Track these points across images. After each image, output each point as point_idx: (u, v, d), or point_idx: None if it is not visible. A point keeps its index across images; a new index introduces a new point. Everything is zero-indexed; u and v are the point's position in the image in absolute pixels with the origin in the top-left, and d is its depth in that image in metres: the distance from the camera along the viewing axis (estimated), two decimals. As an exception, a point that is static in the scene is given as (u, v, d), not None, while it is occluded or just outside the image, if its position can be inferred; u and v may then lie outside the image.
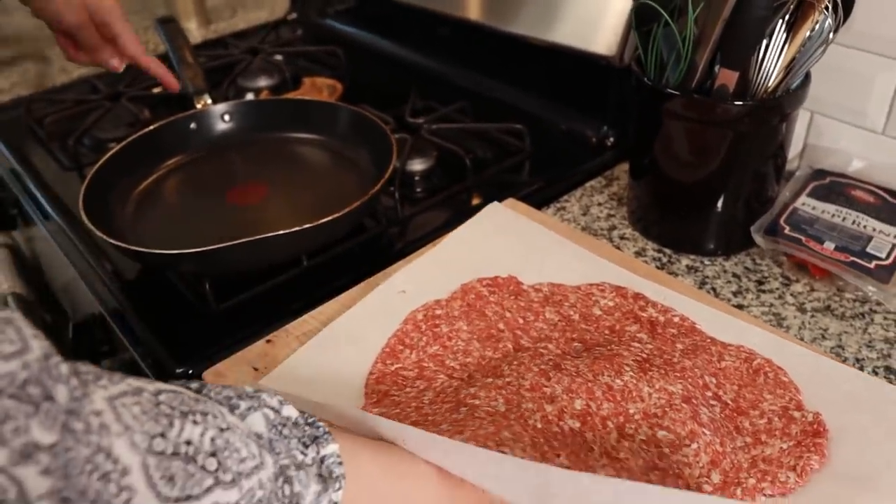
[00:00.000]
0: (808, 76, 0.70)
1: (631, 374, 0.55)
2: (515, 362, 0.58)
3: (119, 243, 0.67)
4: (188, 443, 0.34)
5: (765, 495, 0.49)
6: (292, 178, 0.86)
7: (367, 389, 0.58)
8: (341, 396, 0.58)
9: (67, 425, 0.30)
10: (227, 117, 0.91)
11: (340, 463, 0.41)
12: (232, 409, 0.39)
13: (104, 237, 0.68)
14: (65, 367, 0.31)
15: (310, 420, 0.42)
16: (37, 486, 0.29)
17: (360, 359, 0.61)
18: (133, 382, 0.34)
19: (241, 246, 0.65)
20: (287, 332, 0.64)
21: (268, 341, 0.63)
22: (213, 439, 0.35)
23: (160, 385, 0.36)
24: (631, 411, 0.53)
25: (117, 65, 0.89)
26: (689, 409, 0.53)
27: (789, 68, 0.67)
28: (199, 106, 0.91)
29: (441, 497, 0.45)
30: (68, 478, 0.30)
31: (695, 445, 0.51)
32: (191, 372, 0.63)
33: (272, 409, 0.41)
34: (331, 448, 0.41)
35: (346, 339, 0.63)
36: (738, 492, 0.49)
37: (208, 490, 0.34)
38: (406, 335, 0.63)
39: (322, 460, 0.40)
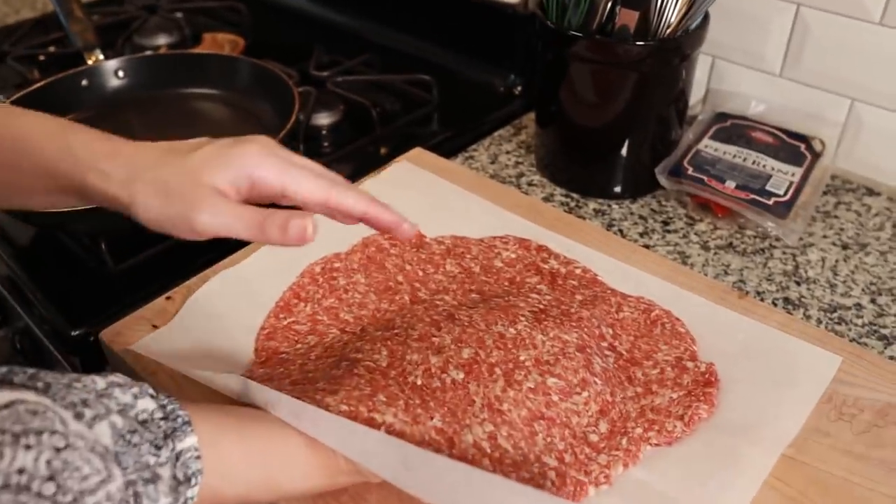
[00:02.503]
0: (707, 17, 0.69)
1: (525, 323, 0.54)
2: (409, 314, 0.57)
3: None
4: (20, 471, 0.31)
5: (651, 444, 0.49)
6: (191, 135, 0.80)
7: (257, 346, 0.57)
8: (232, 354, 0.56)
9: None
10: (120, 73, 0.87)
11: (198, 457, 0.39)
12: (77, 416, 0.36)
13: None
14: None
15: (168, 411, 0.40)
16: None
17: (252, 312, 0.59)
18: None
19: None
20: (188, 288, 0.62)
21: (168, 298, 0.61)
22: (48, 462, 0.32)
23: None
24: (522, 358, 0.51)
25: None
26: (583, 357, 0.52)
27: (689, 9, 0.67)
28: (90, 62, 0.87)
29: (311, 473, 0.44)
30: None
31: (585, 394, 0.50)
32: (87, 334, 0.61)
33: (123, 409, 0.38)
34: (188, 441, 0.39)
35: (238, 292, 0.61)
36: (624, 441, 0.48)
37: None
38: (302, 288, 0.61)
39: (178, 456, 0.39)
